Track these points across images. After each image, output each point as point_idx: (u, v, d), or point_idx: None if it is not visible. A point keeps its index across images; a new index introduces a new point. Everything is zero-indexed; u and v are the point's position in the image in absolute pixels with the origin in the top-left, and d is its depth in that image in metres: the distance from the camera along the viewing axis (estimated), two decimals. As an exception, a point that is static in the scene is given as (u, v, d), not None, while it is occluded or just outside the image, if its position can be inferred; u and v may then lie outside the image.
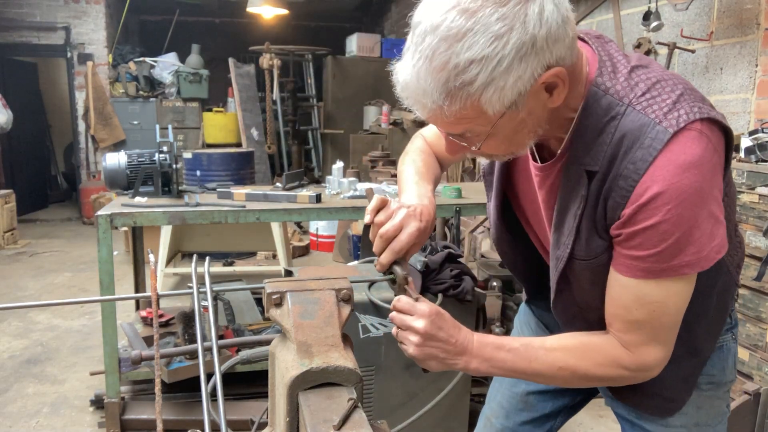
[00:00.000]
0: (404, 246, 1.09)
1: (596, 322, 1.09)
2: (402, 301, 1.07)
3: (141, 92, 8.13)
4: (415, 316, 1.05)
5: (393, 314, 1.09)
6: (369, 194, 1.17)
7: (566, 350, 1.06)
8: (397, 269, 1.12)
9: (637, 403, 1.20)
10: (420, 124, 5.10)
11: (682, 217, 0.89)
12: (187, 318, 2.85)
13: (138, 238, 3.75)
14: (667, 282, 0.96)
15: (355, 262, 2.67)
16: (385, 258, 1.10)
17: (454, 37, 0.83)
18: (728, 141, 0.96)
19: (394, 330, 1.10)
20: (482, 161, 1.25)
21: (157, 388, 1.08)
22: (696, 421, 1.19)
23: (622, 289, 1.00)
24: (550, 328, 1.39)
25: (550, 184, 1.08)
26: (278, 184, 3.36)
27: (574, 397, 1.41)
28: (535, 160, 1.11)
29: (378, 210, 1.12)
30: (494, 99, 0.86)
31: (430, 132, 1.37)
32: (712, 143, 0.91)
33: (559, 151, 1.03)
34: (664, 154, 0.89)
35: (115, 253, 3.21)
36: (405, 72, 0.89)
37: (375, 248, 1.10)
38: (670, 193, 0.88)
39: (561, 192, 1.04)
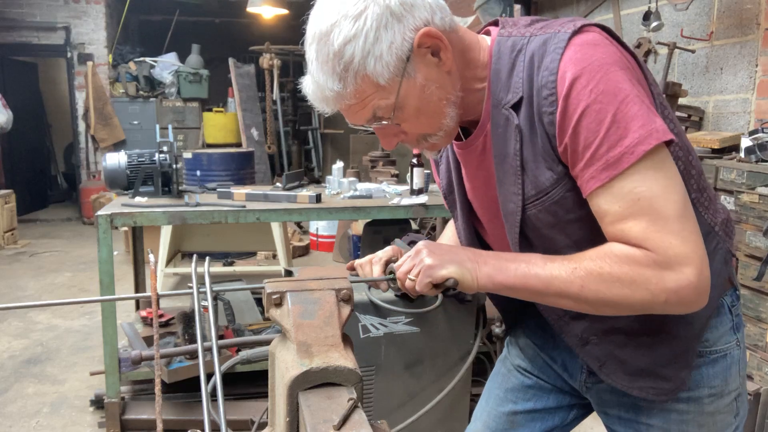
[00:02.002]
0: (424, 285, 1.08)
1: None
2: (404, 262, 1.08)
3: (141, 92, 8.13)
4: (416, 250, 1.06)
5: (399, 275, 1.08)
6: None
7: (578, 255, 0.97)
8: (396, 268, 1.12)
9: (629, 385, 1.11)
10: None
11: (607, 93, 0.90)
12: (187, 318, 2.85)
13: (138, 238, 3.75)
14: (634, 170, 0.90)
15: (355, 262, 2.67)
16: (413, 292, 1.09)
17: (326, 34, 0.95)
18: (637, 61, 1.00)
19: (408, 283, 1.07)
20: (441, 172, 1.25)
21: (157, 388, 1.08)
22: None
23: (600, 200, 0.93)
24: (530, 361, 1.33)
25: (488, 150, 1.07)
26: (278, 184, 3.36)
27: (564, 417, 1.33)
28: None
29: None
30: (379, 68, 0.95)
31: None
32: (613, 45, 0.95)
33: (481, 117, 1.06)
34: (569, 48, 0.93)
35: (115, 253, 3.20)
36: (307, 83, 1.02)
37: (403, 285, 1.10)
38: (585, 75, 0.91)
39: (494, 144, 1.04)
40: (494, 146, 1.04)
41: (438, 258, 1.03)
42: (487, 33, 1.09)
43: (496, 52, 1.02)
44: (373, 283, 1.21)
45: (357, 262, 1.23)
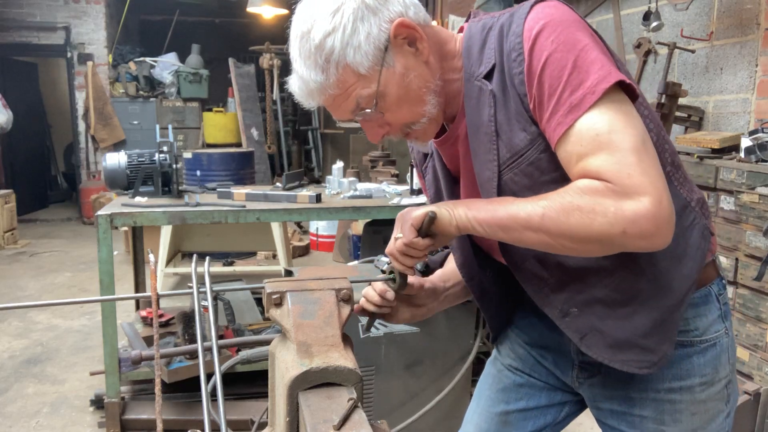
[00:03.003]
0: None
1: (543, 253, 1.05)
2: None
3: (141, 92, 8.13)
4: (397, 234, 1.07)
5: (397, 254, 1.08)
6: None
7: (546, 194, 0.98)
8: (399, 273, 1.13)
9: (612, 357, 1.09)
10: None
11: (567, 42, 0.95)
12: (187, 318, 2.85)
13: (138, 238, 3.75)
14: (594, 108, 0.92)
15: (355, 262, 2.67)
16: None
17: (306, 32, 1.02)
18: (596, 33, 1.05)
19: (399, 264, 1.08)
20: (427, 181, 1.25)
21: (157, 388, 1.08)
22: (691, 427, 1.15)
23: (566, 145, 0.95)
24: (521, 360, 1.34)
25: (464, 135, 1.11)
26: (278, 184, 3.36)
27: (556, 414, 1.33)
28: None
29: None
30: (359, 58, 1.00)
31: None
32: (574, 12, 1.01)
33: (460, 108, 1.09)
34: (531, 12, 1.00)
35: (115, 253, 3.19)
36: (292, 81, 1.08)
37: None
38: (547, 27, 0.96)
39: (468, 116, 1.07)
40: (468, 119, 1.08)
41: (413, 209, 1.07)
42: (462, 31, 1.14)
43: (467, 35, 1.08)
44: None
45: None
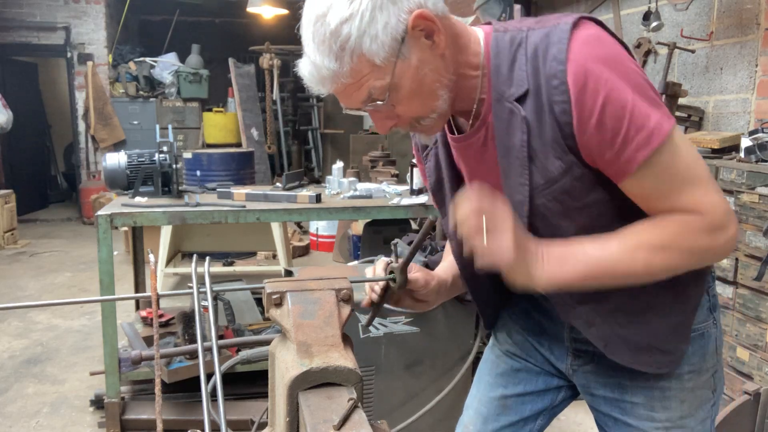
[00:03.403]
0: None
1: None
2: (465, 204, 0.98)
3: (141, 92, 8.13)
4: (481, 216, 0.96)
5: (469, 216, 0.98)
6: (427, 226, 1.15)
7: (634, 231, 1.01)
8: (400, 275, 1.13)
9: (633, 360, 1.14)
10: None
11: (622, 80, 0.94)
12: (187, 318, 2.85)
13: (138, 238, 3.75)
14: (663, 147, 0.95)
15: (355, 262, 2.67)
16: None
17: (322, 16, 0.98)
18: (628, 51, 1.04)
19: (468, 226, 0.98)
20: (428, 169, 1.25)
21: (157, 388, 1.08)
22: (680, 414, 1.19)
23: (642, 183, 0.98)
24: (518, 345, 1.35)
25: (489, 146, 1.09)
26: (278, 184, 3.36)
27: (553, 398, 1.36)
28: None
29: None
30: (375, 47, 0.97)
31: None
32: (612, 38, 1.00)
33: (476, 106, 1.08)
34: (573, 40, 0.96)
35: (115, 253, 3.20)
36: (303, 65, 1.03)
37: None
38: (597, 66, 0.94)
39: (498, 137, 1.05)
40: (498, 139, 1.06)
41: (516, 252, 0.98)
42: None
43: (494, 47, 1.04)
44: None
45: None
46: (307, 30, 1.01)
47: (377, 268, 1.21)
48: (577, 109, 0.95)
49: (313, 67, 1.01)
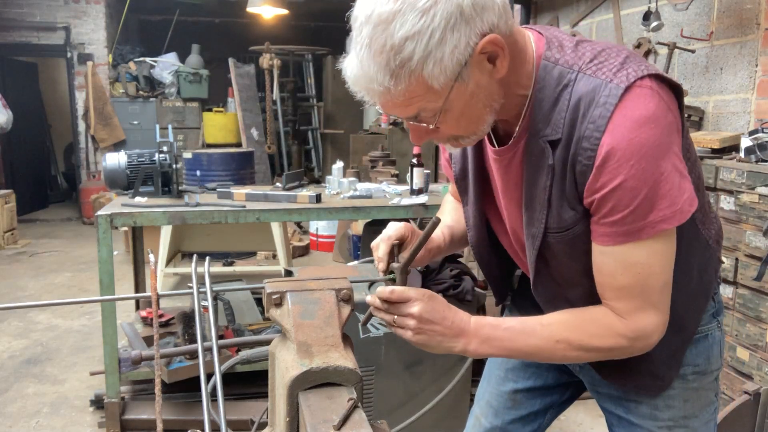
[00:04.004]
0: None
1: (579, 300, 1.09)
2: (396, 291, 1.06)
3: (141, 92, 8.13)
4: (410, 302, 1.05)
5: (380, 305, 1.08)
6: (431, 227, 1.13)
7: (562, 323, 1.06)
8: (399, 276, 1.13)
9: (625, 382, 1.19)
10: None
11: (646, 172, 0.91)
12: (187, 318, 2.85)
13: (138, 238, 3.75)
14: (647, 242, 0.96)
15: (355, 262, 2.67)
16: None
17: (385, 21, 0.88)
18: (680, 101, 0.99)
19: (381, 313, 1.08)
20: (454, 157, 1.25)
21: (157, 388, 1.08)
22: (684, 414, 1.20)
23: (605, 258, 1.01)
24: None
25: (516, 164, 1.08)
26: (278, 184, 3.36)
27: (562, 394, 1.40)
28: (492, 145, 1.12)
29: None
30: (436, 72, 0.90)
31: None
32: (664, 101, 0.94)
33: (518, 129, 1.05)
34: (620, 110, 0.92)
35: (115, 253, 3.21)
36: (351, 65, 0.95)
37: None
38: (631, 149, 0.91)
39: (526, 168, 1.05)
40: (526, 172, 1.05)
41: (420, 336, 1.06)
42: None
43: (541, 77, 0.99)
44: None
45: (373, 245, 1.23)
46: (363, 27, 0.90)
47: (381, 249, 1.18)
48: (593, 178, 0.95)
49: (363, 75, 0.93)
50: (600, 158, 0.93)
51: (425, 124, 0.99)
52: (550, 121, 0.98)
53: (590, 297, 1.07)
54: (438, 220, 1.10)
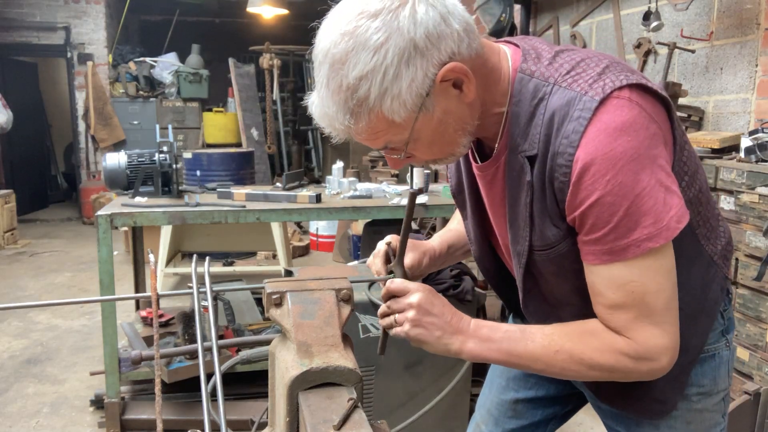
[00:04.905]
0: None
1: (570, 319, 1.05)
2: (395, 282, 1.06)
3: (141, 92, 8.13)
4: (410, 293, 1.04)
5: (384, 294, 1.07)
6: (411, 202, 1.11)
7: (563, 333, 1.00)
8: (398, 269, 1.12)
9: (624, 405, 1.15)
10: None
11: (624, 186, 0.87)
12: (187, 318, 2.85)
13: (138, 238, 3.75)
14: (636, 261, 0.91)
15: (355, 262, 2.67)
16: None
17: (340, 61, 0.87)
18: (669, 110, 0.94)
19: (382, 309, 1.08)
20: (450, 170, 1.25)
21: (157, 388, 1.08)
22: None
23: (595, 277, 0.97)
24: None
25: (499, 180, 1.06)
26: (278, 184, 3.36)
27: (564, 405, 1.37)
28: (476, 161, 1.10)
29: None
30: (395, 107, 0.88)
31: None
32: (645, 111, 0.89)
33: (497, 146, 1.03)
34: (594, 123, 0.88)
35: (115, 253, 3.20)
36: (314, 103, 0.95)
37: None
38: (606, 163, 0.87)
39: (508, 185, 1.02)
40: (508, 188, 1.03)
41: (418, 329, 1.04)
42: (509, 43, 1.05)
43: (517, 91, 0.97)
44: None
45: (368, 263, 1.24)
46: (321, 67, 0.91)
47: (377, 263, 1.19)
48: (571, 194, 0.92)
49: (323, 113, 0.93)
50: (576, 174, 0.89)
51: (396, 152, 0.98)
52: (528, 136, 0.95)
53: (584, 318, 1.02)
54: (415, 191, 1.06)
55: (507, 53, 1.00)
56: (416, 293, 1.04)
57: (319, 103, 0.94)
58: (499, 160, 1.04)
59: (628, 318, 0.95)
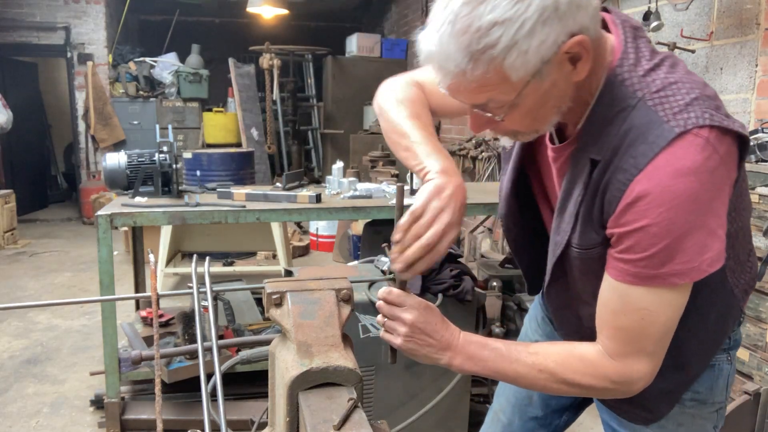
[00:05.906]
0: (442, 255, 1.04)
1: (586, 318, 1.08)
2: (393, 293, 1.08)
3: (141, 92, 8.13)
4: (405, 308, 1.06)
5: (381, 303, 1.10)
6: (399, 195, 1.08)
7: (548, 354, 1.05)
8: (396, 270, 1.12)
9: (615, 407, 1.20)
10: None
11: (673, 223, 0.87)
12: (187, 318, 2.85)
13: (138, 238, 3.75)
14: (657, 290, 0.93)
15: (355, 262, 2.67)
16: (421, 266, 1.03)
17: (476, 0, 0.83)
18: (742, 153, 0.93)
19: (379, 318, 1.11)
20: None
21: (157, 388, 1.08)
22: None
23: (612, 293, 0.98)
24: (548, 338, 1.39)
25: (559, 167, 1.08)
26: (278, 184, 3.36)
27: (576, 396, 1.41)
28: (551, 140, 1.09)
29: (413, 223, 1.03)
30: (517, 64, 0.85)
31: (426, 78, 1.24)
32: (718, 154, 0.88)
33: (572, 136, 1.03)
34: (665, 154, 0.87)
35: (115, 253, 3.20)
36: (428, 40, 0.89)
37: (410, 255, 1.01)
38: (664, 196, 0.87)
39: (567, 177, 1.03)
40: (566, 179, 1.03)
41: (408, 344, 1.08)
42: (607, 23, 1.01)
43: (606, 91, 0.95)
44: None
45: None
46: (449, 4, 0.85)
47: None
48: (619, 212, 0.92)
49: (439, 51, 0.87)
50: (630, 196, 0.89)
51: (490, 115, 0.94)
52: (598, 140, 0.94)
53: (594, 319, 1.05)
54: (402, 185, 1.07)
55: (610, 45, 0.97)
56: (411, 311, 1.06)
57: (436, 40, 0.87)
58: (568, 149, 1.04)
59: (626, 347, 0.99)
